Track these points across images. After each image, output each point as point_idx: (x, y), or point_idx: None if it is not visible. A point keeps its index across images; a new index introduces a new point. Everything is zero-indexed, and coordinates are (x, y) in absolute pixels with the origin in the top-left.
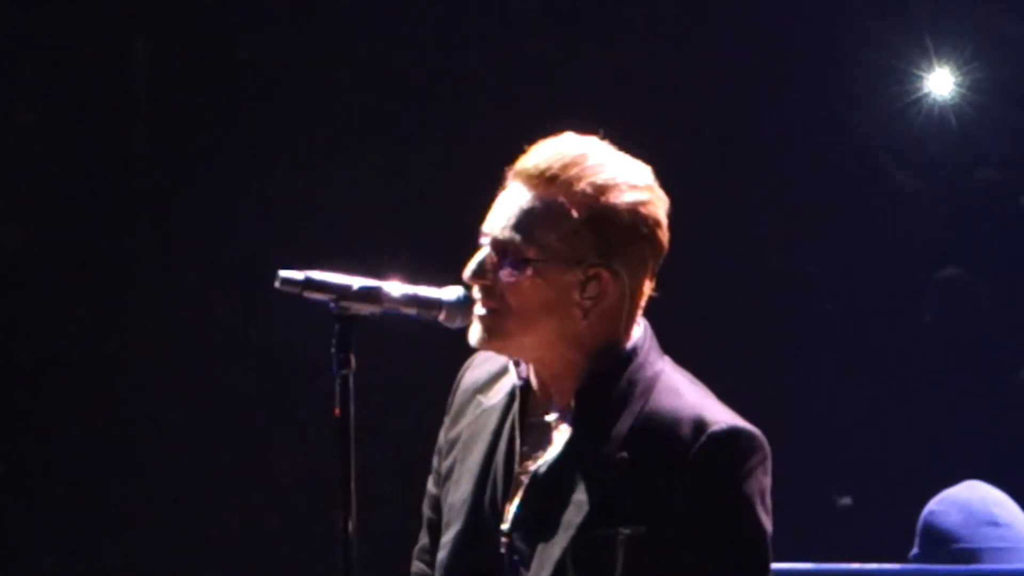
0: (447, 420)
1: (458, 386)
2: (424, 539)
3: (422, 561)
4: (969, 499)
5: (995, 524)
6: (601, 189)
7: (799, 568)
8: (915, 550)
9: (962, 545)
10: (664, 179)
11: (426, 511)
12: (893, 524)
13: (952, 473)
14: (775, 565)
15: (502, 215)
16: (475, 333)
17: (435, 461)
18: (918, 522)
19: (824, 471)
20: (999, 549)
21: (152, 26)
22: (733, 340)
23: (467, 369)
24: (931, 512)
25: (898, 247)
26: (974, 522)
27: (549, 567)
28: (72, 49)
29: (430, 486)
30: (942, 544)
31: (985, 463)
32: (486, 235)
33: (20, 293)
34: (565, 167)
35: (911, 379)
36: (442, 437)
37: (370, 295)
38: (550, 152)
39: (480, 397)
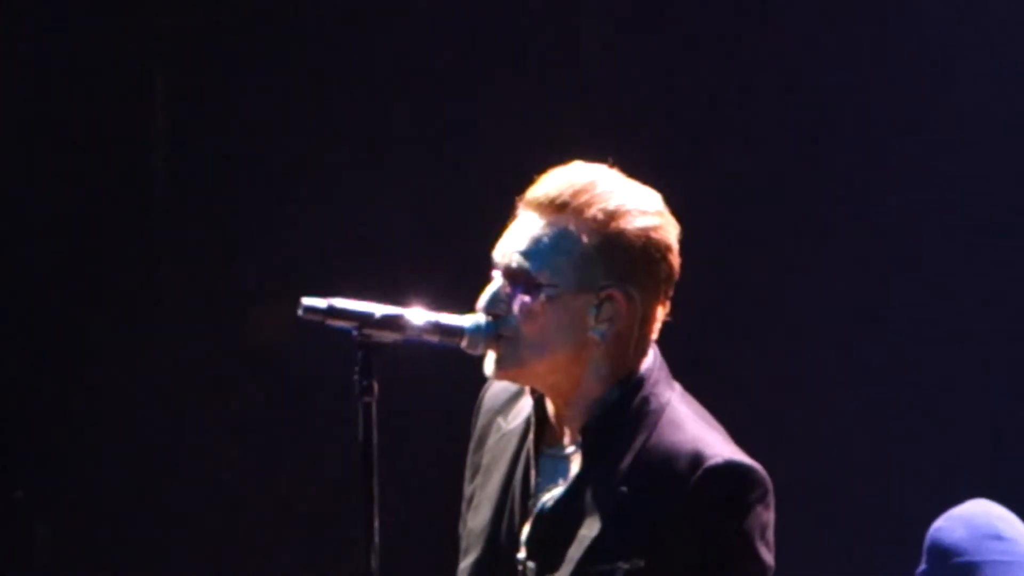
0: (472, 444)
1: (480, 407)
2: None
3: None
4: (974, 514)
5: (998, 538)
6: (612, 215)
7: None
8: (922, 566)
9: (964, 559)
10: (679, 206)
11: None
12: (897, 545)
13: (956, 493)
14: None
15: (513, 243)
16: (489, 363)
17: (465, 486)
18: (925, 539)
19: (830, 494)
20: (1000, 563)
21: (170, 58)
22: (749, 365)
23: (487, 389)
24: (937, 528)
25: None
26: (977, 536)
27: None
28: (91, 83)
29: (464, 510)
30: (945, 559)
31: (992, 483)
32: (498, 264)
33: (43, 316)
34: (575, 194)
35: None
36: (468, 461)
37: (392, 323)
38: (560, 180)
39: (500, 420)
